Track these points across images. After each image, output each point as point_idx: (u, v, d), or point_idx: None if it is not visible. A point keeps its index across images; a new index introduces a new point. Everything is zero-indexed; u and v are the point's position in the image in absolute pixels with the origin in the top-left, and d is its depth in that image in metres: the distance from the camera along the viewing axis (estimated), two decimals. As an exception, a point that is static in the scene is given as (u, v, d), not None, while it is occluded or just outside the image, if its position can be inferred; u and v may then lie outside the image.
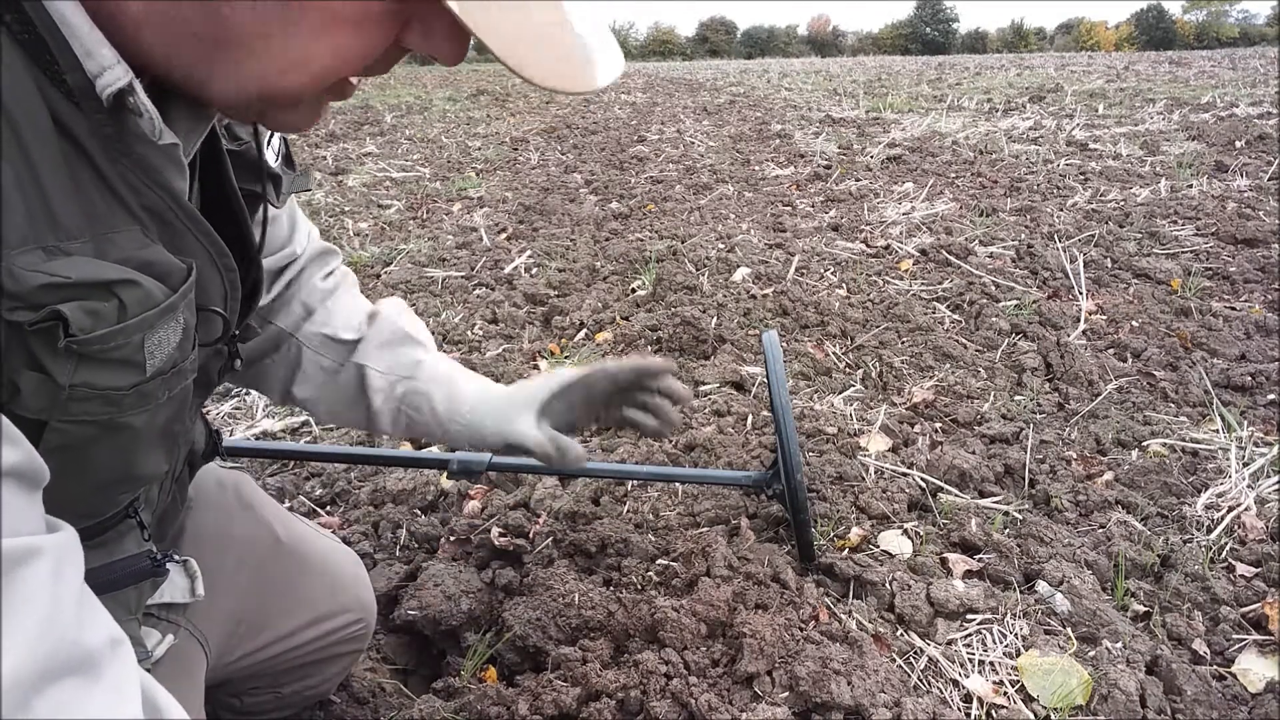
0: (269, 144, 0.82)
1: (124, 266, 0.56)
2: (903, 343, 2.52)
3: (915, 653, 1.31)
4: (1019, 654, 1.29)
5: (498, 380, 2.34)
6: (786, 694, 1.17)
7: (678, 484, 1.75)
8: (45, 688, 0.44)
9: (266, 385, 1.09)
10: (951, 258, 3.28)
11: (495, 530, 1.59)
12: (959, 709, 1.21)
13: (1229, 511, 1.61)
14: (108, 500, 0.69)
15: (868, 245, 3.56)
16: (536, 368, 2.45)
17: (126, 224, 0.58)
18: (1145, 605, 1.40)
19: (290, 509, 1.44)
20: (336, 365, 1.07)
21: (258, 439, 2.10)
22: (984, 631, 1.34)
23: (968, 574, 1.48)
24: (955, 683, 1.25)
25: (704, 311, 2.67)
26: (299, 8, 0.52)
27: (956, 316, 2.74)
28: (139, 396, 0.61)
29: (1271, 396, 2.11)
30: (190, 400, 0.73)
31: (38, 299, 0.51)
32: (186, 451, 0.87)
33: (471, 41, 0.56)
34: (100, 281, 0.54)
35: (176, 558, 0.80)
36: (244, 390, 2.27)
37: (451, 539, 1.62)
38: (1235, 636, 1.33)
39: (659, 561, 1.51)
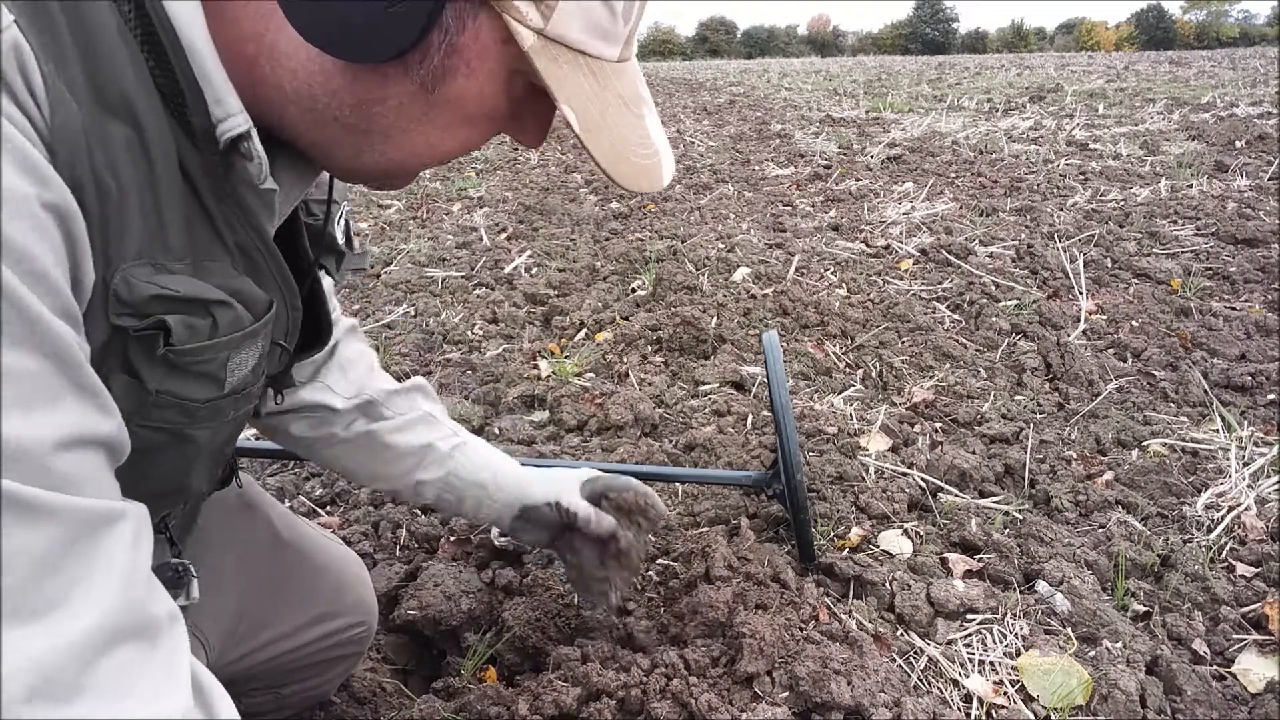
0: (337, 223, 0.89)
1: (219, 290, 0.62)
2: (903, 343, 2.52)
3: (915, 653, 1.31)
4: (1019, 654, 1.29)
5: (496, 381, 2.38)
6: (786, 694, 1.17)
7: (678, 484, 1.75)
8: (113, 646, 0.46)
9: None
10: (951, 258, 3.28)
11: (495, 530, 1.59)
12: (959, 709, 1.21)
13: (1229, 511, 1.61)
14: (153, 511, 0.71)
15: (868, 245, 3.56)
16: (536, 368, 2.45)
17: (220, 255, 0.64)
18: (1145, 605, 1.40)
19: (290, 509, 1.44)
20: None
21: (257, 438, 2.10)
22: (984, 631, 1.34)
23: (968, 574, 1.48)
24: (955, 683, 1.25)
25: (704, 311, 2.67)
26: (436, 108, 0.61)
27: (956, 316, 2.74)
28: (212, 411, 0.66)
29: (1271, 396, 2.11)
30: (243, 424, 0.78)
31: (147, 308, 0.56)
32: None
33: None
34: (201, 299, 0.60)
35: (193, 570, 0.81)
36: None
37: (451, 539, 1.62)
38: (1235, 636, 1.33)
39: (659, 561, 1.51)
